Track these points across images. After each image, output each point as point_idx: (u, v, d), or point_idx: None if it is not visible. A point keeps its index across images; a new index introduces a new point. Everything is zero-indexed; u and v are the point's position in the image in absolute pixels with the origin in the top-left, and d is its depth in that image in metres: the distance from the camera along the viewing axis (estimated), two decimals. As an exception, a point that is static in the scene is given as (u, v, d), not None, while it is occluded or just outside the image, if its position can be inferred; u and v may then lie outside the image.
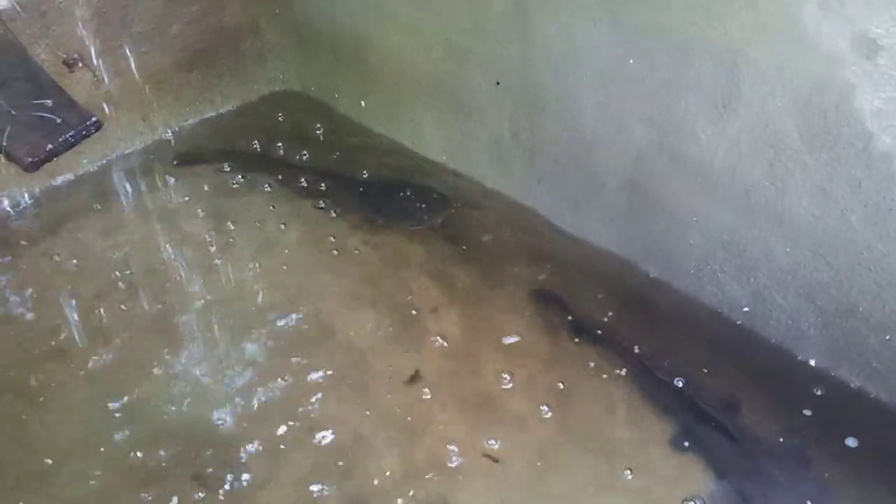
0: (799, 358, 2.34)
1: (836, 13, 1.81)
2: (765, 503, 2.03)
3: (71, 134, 2.32)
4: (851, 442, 2.13)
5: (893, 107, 1.81)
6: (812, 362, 2.32)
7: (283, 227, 3.00)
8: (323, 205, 3.09)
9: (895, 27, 1.74)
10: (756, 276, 2.33)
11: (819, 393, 2.25)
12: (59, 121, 2.31)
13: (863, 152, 1.91)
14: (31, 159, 2.25)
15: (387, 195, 3.17)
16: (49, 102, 2.35)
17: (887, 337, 2.10)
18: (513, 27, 2.58)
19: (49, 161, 2.31)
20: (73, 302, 2.64)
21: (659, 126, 2.33)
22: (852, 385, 2.26)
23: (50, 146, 2.30)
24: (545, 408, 2.28)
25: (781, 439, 2.17)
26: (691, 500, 2.03)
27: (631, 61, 2.30)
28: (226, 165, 3.33)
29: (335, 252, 2.88)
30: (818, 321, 2.25)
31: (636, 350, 2.43)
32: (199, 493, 2.09)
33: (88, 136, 2.35)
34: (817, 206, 2.08)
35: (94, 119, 2.37)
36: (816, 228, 2.11)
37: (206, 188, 3.21)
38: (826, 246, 2.12)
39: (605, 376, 2.38)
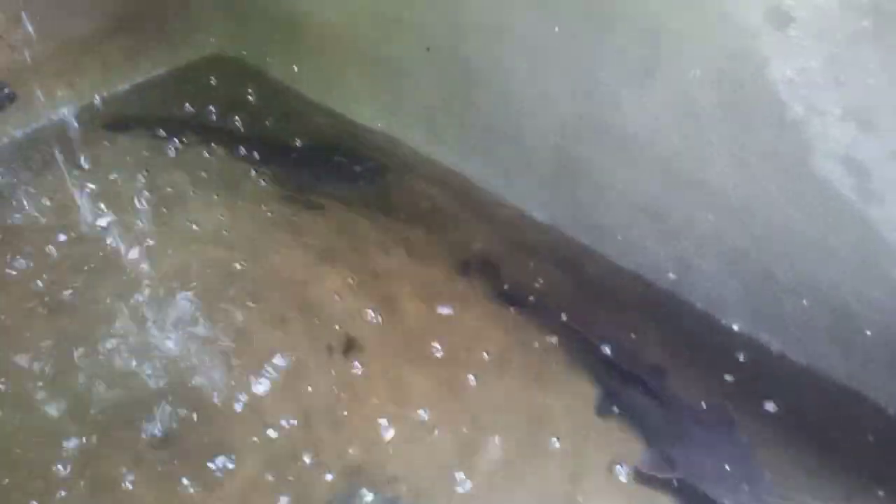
0: (722, 323, 2.40)
1: (749, -16, 1.82)
2: (690, 466, 2.07)
3: (-17, 105, 2.25)
4: (770, 406, 2.18)
5: (805, 77, 1.84)
6: (735, 327, 2.37)
7: (216, 196, 2.96)
8: (255, 171, 3.06)
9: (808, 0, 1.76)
10: (679, 243, 2.37)
11: (741, 358, 2.30)
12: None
13: (776, 121, 1.94)
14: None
15: (320, 162, 3.15)
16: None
17: (803, 301, 2.16)
18: (441, -5, 2.56)
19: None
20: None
21: (583, 96, 2.34)
22: (773, 349, 2.32)
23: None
24: (472, 376, 2.29)
25: (706, 403, 2.22)
26: (619, 463, 2.07)
27: (557, 29, 2.29)
28: (156, 131, 3.27)
29: (269, 218, 2.87)
30: (739, 286, 2.29)
31: (565, 317, 2.45)
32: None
33: (2, 108, 2.28)
34: (735, 173, 2.11)
35: (6, 90, 2.30)
36: (734, 195, 2.15)
37: (135, 154, 3.15)
38: (744, 212, 2.15)
39: (535, 344, 2.41)
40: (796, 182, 2.00)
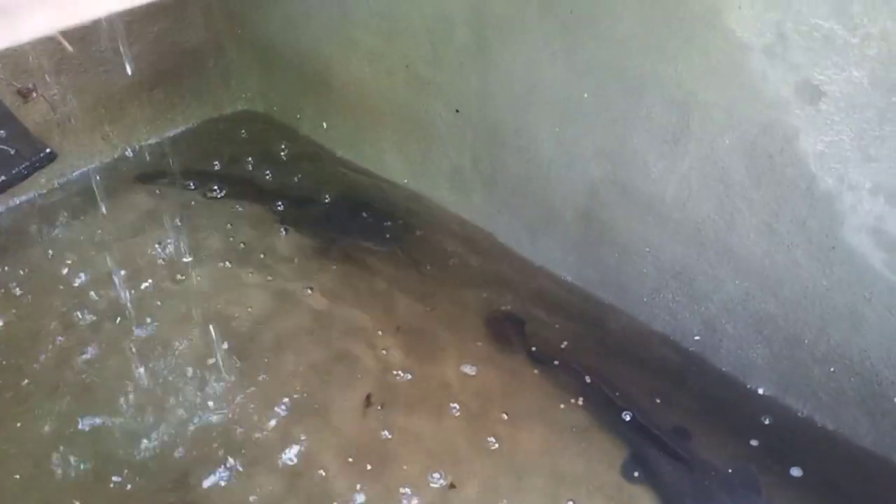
0: (748, 386, 2.41)
1: (780, 60, 1.87)
2: (715, 532, 2.07)
3: (24, 166, 2.33)
4: (796, 471, 2.19)
5: (835, 150, 1.88)
6: (760, 391, 2.38)
7: (242, 246, 3.01)
8: (284, 226, 3.11)
9: (836, 74, 1.80)
10: (706, 306, 2.39)
11: (767, 422, 2.31)
12: (12, 152, 2.32)
13: (806, 192, 1.98)
14: (-16, 190, 2.25)
15: (348, 217, 3.20)
16: (2, 133, 2.34)
17: (832, 369, 2.17)
18: (473, 59, 2.62)
19: (3, 192, 2.31)
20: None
21: (612, 160, 2.39)
22: (799, 414, 2.32)
23: (3, 178, 2.30)
24: (493, 438, 2.31)
25: (731, 467, 2.23)
26: None
27: (586, 96, 2.35)
28: (186, 184, 3.33)
29: (295, 273, 2.90)
30: (766, 351, 2.31)
31: (590, 379, 2.47)
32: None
33: (42, 168, 2.36)
34: (764, 241, 2.14)
35: (48, 150, 2.38)
36: (764, 262, 2.17)
37: (165, 206, 3.21)
38: (773, 279, 2.18)
39: (560, 405, 2.42)
40: (826, 252, 2.03)
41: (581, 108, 2.39)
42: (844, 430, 2.23)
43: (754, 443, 2.27)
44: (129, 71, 2.92)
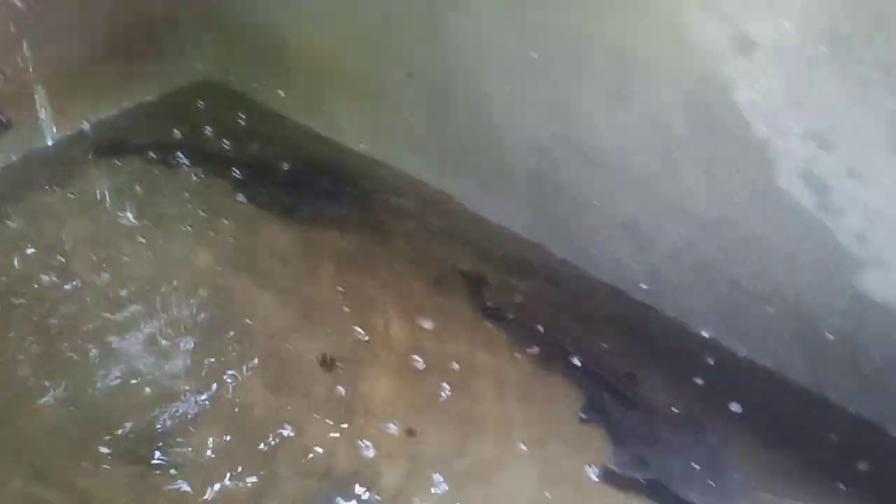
0: (692, 330, 2.53)
1: (714, 13, 1.98)
2: (661, 466, 2.18)
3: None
4: (736, 407, 2.31)
5: (767, 98, 1.99)
6: (704, 334, 2.51)
7: (202, 215, 3.05)
8: (242, 195, 3.16)
9: (768, 25, 1.91)
10: (652, 255, 2.50)
11: (710, 362, 2.43)
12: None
13: (742, 140, 2.09)
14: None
15: (307, 183, 3.25)
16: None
17: (769, 309, 2.29)
18: (423, 24, 2.69)
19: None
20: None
21: (560, 118, 2.48)
22: (740, 354, 2.45)
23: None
24: (449, 386, 2.39)
25: (677, 407, 2.35)
26: (591, 464, 2.18)
27: (534, 55, 2.43)
28: (145, 155, 3.35)
29: (256, 239, 2.96)
30: (708, 296, 2.43)
31: (543, 330, 2.57)
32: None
33: (-2, 135, 2.33)
34: (704, 189, 2.25)
35: (2, 119, 2.36)
36: (704, 210, 2.29)
37: (123, 178, 3.23)
38: (713, 226, 2.29)
39: (515, 356, 2.51)
40: (762, 197, 2.14)
41: (529, 69, 2.48)
42: (782, 368, 2.37)
43: (699, 382, 2.38)
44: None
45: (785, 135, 2.00)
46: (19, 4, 2.99)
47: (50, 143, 3.43)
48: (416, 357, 2.49)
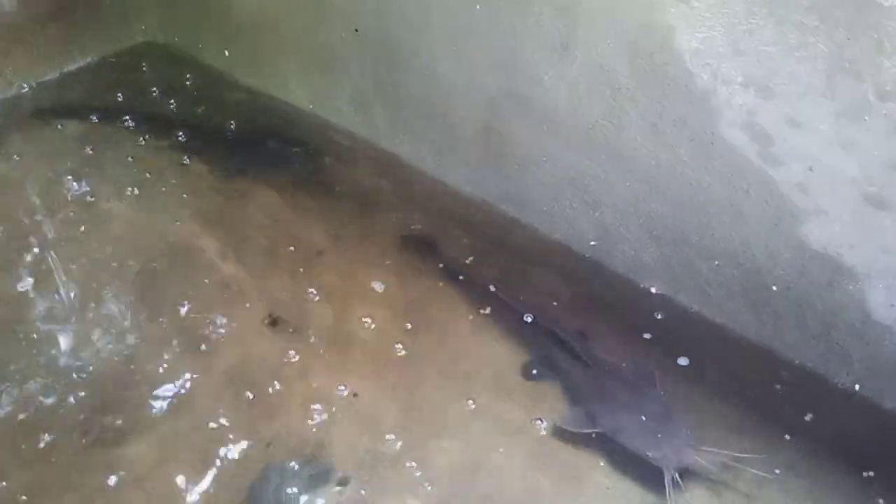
0: (642, 286, 2.52)
1: (655, -40, 1.94)
2: (611, 421, 2.18)
3: None
4: (683, 360, 2.31)
5: (708, 46, 1.96)
6: (653, 289, 2.49)
7: (148, 176, 2.99)
8: (189, 157, 3.09)
9: (707, -28, 1.87)
10: (601, 211, 2.48)
11: (659, 317, 2.43)
12: None
13: (685, 90, 2.06)
14: None
15: (255, 146, 3.20)
16: None
17: (716, 263, 2.28)
18: (367, -23, 2.63)
19: None
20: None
21: (507, 72, 2.44)
22: (689, 309, 2.44)
23: None
24: (401, 346, 2.37)
25: (626, 362, 2.34)
26: (543, 419, 2.17)
27: (478, 7, 2.38)
28: (86, 119, 3.27)
29: (202, 203, 2.90)
30: (657, 251, 2.42)
31: (494, 288, 2.55)
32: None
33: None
34: (650, 143, 2.23)
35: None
36: (650, 163, 2.26)
37: (65, 142, 3.16)
38: (660, 180, 2.27)
39: (468, 316, 2.50)
40: (706, 149, 2.12)
41: (474, 24, 2.43)
42: (729, 322, 2.37)
43: (647, 336, 2.38)
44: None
45: (727, 84, 1.98)
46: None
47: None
48: (365, 319, 2.45)
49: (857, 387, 2.18)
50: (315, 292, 2.55)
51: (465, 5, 2.42)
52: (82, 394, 2.25)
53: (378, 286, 2.58)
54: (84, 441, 2.13)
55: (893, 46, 1.69)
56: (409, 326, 2.45)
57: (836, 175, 1.91)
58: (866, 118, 1.79)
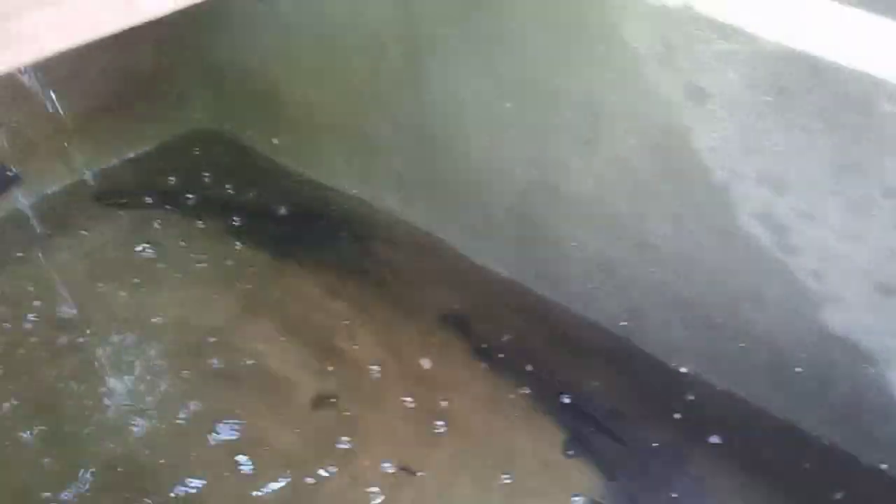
0: (672, 366, 2.60)
1: (670, 66, 2.07)
2: (649, 499, 2.27)
3: (-9, 188, 2.45)
4: (715, 439, 2.39)
5: (723, 144, 2.08)
6: (683, 370, 2.58)
7: (202, 264, 3.17)
8: (240, 239, 3.27)
9: (717, 77, 2.00)
10: (630, 294, 2.59)
11: (690, 398, 2.51)
12: (-22, 177, 2.44)
13: (704, 184, 2.18)
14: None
15: (303, 230, 3.37)
16: (-37, 158, 2.47)
17: (741, 345, 2.37)
18: (405, 76, 2.80)
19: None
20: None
21: (536, 164, 2.58)
22: (717, 388, 2.52)
23: (-29, 201, 2.43)
24: (444, 424, 2.49)
25: (659, 441, 2.43)
26: (578, 495, 2.27)
27: (508, 106, 2.54)
28: (144, 203, 3.48)
29: (252, 286, 3.07)
30: (685, 332, 2.51)
31: (531, 368, 2.66)
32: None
33: (7, 191, 2.48)
34: (673, 231, 2.34)
35: (11, 172, 2.50)
36: (674, 250, 2.37)
37: (122, 226, 3.37)
38: (684, 265, 2.38)
39: (506, 395, 2.60)
40: (727, 238, 2.23)
41: (505, 119, 2.58)
42: (756, 400, 2.44)
43: (677, 416, 2.46)
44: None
45: (743, 179, 2.09)
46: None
47: (55, 190, 3.58)
48: (406, 398, 2.58)
49: (883, 466, 2.24)
50: (358, 370, 2.68)
51: (497, 102, 2.57)
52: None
53: (419, 364, 2.70)
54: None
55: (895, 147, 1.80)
56: (447, 405, 2.56)
57: (849, 264, 2.01)
58: (873, 213, 1.89)
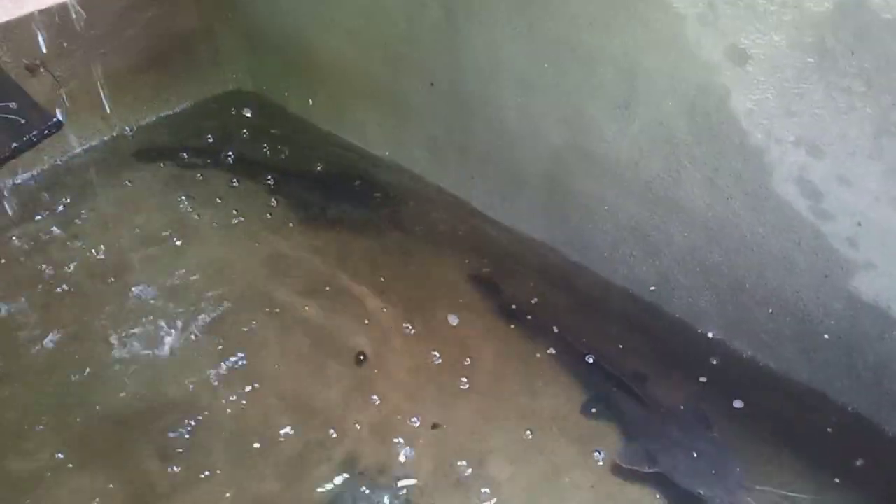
0: (699, 331, 2.62)
1: (712, 27, 2.08)
2: (667, 459, 2.29)
3: (34, 133, 2.51)
4: (738, 403, 2.41)
5: (761, 107, 2.09)
6: (710, 334, 2.60)
7: (237, 214, 3.23)
8: (275, 197, 3.32)
9: (759, 38, 2.01)
10: (659, 259, 2.60)
11: (714, 362, 2.53)
12: (22, 121, 2.51)
13: (740, 147, 2.19)
14: (-3, 156, 2.45)
15: (336, 190, 3.41)
16: (13, 104, 2.53)
17: (770, 311, 2.39)
18: (444, 36, 2.82)
19: (13, 158, 2.51)
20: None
21: (571, 127, 2.59)
22: (744, 354, 2.54)
23: (15, 145, 2.49)
24: (467, 381, 2.53)
25: (683, 405, 2.45)
26: (598, 451, 2.30)
27: (546, 66, 2.55)
28: (181, 159, 3.55)
29: (289, 239, 3.13)
30: (713, 297, 2.53)
31: (557, 329, 2.68)
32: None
33: (50, 135, 2.55)
34: (707, 195, 2.35)
35: (55, 119, 2.57)
36: (707, 214, 2.39)
37: (160, 182, 3.44)
38: (716, 230, 2.39)
39: (534, 354, 2.63)
40: (760, 202, 2.24)
41: (541, 80, 2.60)
42: (783, 366, 2.45)
43: (703, 380, 2.48)
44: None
45: (780, 142, 2.10)
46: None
47: (95, 144, 3.66)
48: (434, 353, 2.61)
49: (908, 435, 2.26)
50: (394, 327, 2.73)
51: (534, 63, 2.59)
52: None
53: (448, 322, 2.74)
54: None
55: (936, 112, 1.80)
56: (480, 363, 2.59)
57: (885, 231, 2.01)
58: (912, 177, 1.90)
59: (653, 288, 2.68)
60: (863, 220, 2.03)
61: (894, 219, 1.98)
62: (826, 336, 2.28)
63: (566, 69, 2.50)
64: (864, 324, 2.18)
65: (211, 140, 3.66)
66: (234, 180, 3.41)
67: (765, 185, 2.20)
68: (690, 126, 2.28)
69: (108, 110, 3.63)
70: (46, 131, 2.53)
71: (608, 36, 2.32)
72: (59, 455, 2.35)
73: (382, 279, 2.93)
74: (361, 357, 2.63)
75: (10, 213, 3.23)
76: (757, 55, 2.03)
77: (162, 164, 3.56)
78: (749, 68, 2.06)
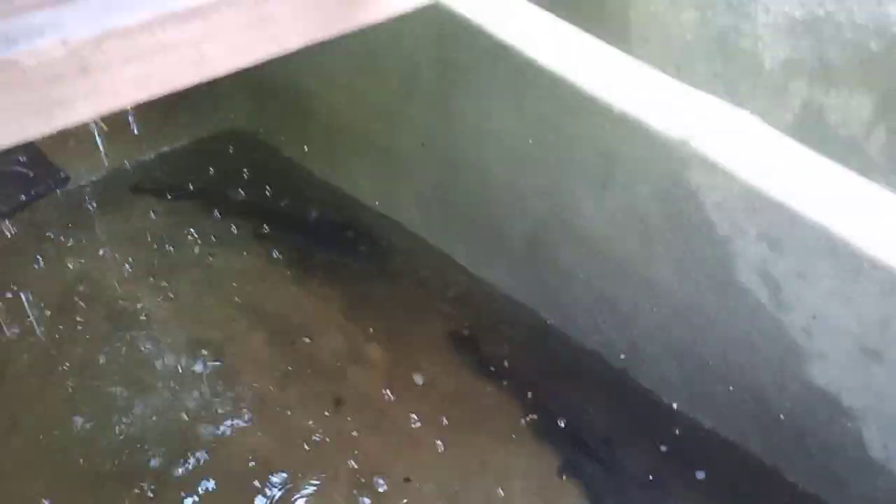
0: (664, 401, 2.74)
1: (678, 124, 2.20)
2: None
3: (42, 188, 2.64)
4: (700, 474, 2.53)
5: (728, 202, 2.22)
6: (674, 406, 2.71)
7: (223, 258, 3.35)
8: (261, 243, 3.44)
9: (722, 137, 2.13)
10: (630, 329, 2.72)
11: (677, 433, 2.65)
12: (31, 175, 2.63)
13: (708, 236, 2.31)
14: (5, 209, 2.57)
15: (323, 236, 3.53)
16: (22, 158, 2.66)
17: (730, 388, 2.51)
18: (436, 99, 2.95)
19: (22, 210, 2.63)
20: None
21: (552, 198, 2.72)
22: (705, 426, 2.66)
23: (23, 198, 2.62)
24: (441, 442, 2.64)
25: (647, 471, 2.57)
26: None
27: (530, 142, 2.68)
28: (176, 196, 3.67)
29: (269, 287, 3.24)
30: (679, 371, 2.64)
31: (531, 391, 2.80)
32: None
33: (57, 189, 2.67)
34: (675, 276, 2.47)
35: (63, 174, 2.69)
36: (675, 294, 2.51)
37: (153, 216, 3.56)
38: (682, 309, 2.51)
39: (506, 416, 2.74)
40: (725, 288, 2.36)
41: (526, 153, 2.72)
42: (740, 440, 2.57)
43: (664, 449, 2.60)
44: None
45: (743, 235, 2.23)
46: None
47: (95, 179, 3.76)
48: (413, 415, 2.72)
49: (855, 517, 2.37)
50: (366, 386, 2.84)
51: (520, 136, 2.71)
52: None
53: (423, 380, 2.87)
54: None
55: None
56: (447, 423, 2.70)
57: (836, 326, 2.14)
58: (862, 280, 2.02)
59: (623, 356, 2.79)
60: (817, 314, 2.16)
61: (844, 315, 2.10)
62: (781, 416, 2.40)
63: (549, 146, 2.63)
64: (815, 408, 2.30)
65: (205, 178, 3.76)
66: (224, 219, 3.51)
67: (729, 273, 2.32)
68: (663, 212, 2.41)
69: (109, 147, 3.73)
70: (54, 186, 2.65)
71: (590, 122, 2.45)
72: None
73: (362, 334, 3.04)
74: (340, 404, 2.73)
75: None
76: (720, 153, 2.15)
77: (158, 199, 3.66)
78: (717, 165, 2.18)
